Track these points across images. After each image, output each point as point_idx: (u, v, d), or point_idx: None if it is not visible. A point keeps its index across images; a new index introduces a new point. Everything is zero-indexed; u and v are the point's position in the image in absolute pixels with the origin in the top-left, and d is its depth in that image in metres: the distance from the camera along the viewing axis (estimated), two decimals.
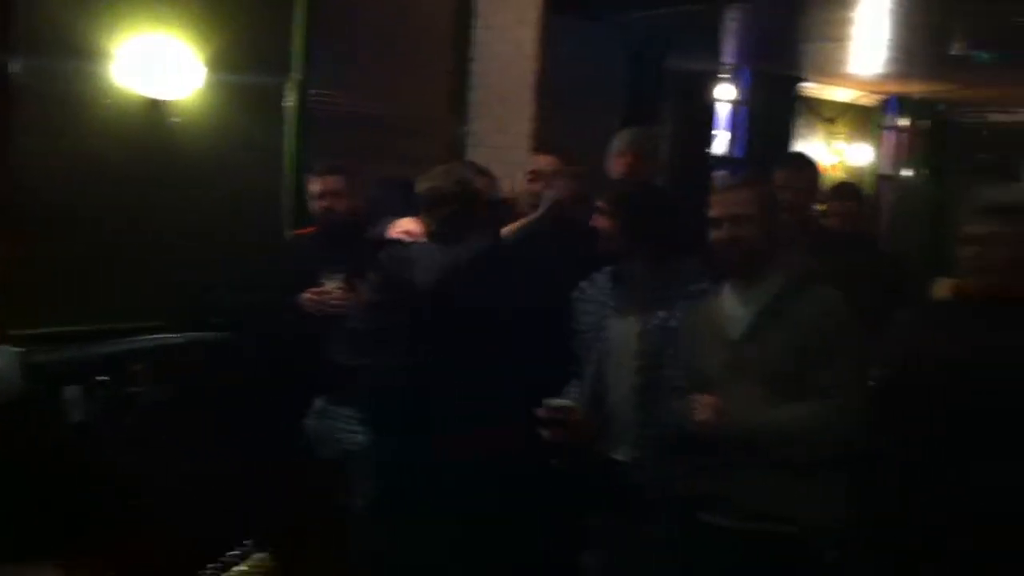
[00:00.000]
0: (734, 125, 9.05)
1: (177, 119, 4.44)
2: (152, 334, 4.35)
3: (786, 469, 2.89)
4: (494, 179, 3.64)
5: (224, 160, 4.58)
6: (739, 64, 8.85)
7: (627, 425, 3.30)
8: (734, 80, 8.92)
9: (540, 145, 5.03)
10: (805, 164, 4.47)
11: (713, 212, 3.05)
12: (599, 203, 3.37)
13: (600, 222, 3.34)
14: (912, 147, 11.08)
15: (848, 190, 5.16)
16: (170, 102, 4.40)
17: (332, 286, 4.01)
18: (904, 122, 11.01)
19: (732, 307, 3.06)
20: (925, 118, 11.08)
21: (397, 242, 3.59)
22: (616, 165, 4.30)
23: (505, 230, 3.38)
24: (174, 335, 4.38)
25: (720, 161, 8.85)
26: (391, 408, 3.56)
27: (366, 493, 3.60)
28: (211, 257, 4.49)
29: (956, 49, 6.41)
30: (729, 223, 2.99)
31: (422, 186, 3.56)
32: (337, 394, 3.68)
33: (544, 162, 3.72)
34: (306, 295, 4.03)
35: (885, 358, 3.14)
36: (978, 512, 2.79)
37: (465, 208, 3.49)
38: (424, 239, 3.57)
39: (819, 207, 4.84)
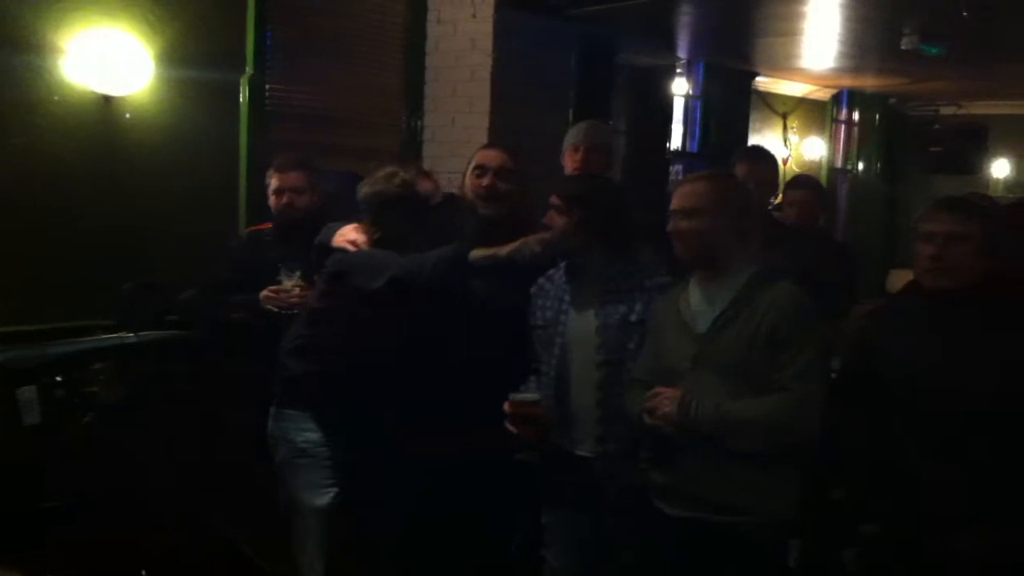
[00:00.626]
0: (688, 119, 9.08)
1: (128, 115, 4.40)
2: (105, 333, 4.31)
3: (748, 460, 2.91)
4: (436, 181, 3.65)
5: (177, 156, 4.55)
6: (693, 58, 8.87)
7: (589, 420, 3.31)
8: (688, 74, 8.94)
9: (489, 140, 5.05)
10: (764, 157, 4.50)
11: (674, 206, 3.07)
12: (552, 199, 3.38)
13: (554, 218, 3.35)
14: (864, 141, 11.17)
15: (805, 182, 5.22)
16: (121, 98, 4.35)
17: (290, 283, 3.99)
18: (856, 116, 11.10)
19: (697, 301, 3.08)
20: (877, 111, 11.18)
21: (341, 251, 3.58)
22: (569, 159, 4.31)
23: (473, 255, 3.36)
24: (128, 334, 4.34)
25: (675, 155, 8.88)
26: (340, 410, 3.57)
27: (320, 492, 3.60)
28: (165, 254, 4.46)
29: (906, 43, 6.46)
30: (688, 216, 3.01)
31: (364, 191, 3.55)
32: (286, 398, 3.67)
33: (490, 157, 3.70)
34: (264, 293, 4.01)
35: (845, 351, 3.19)
36: (932, 499, 2.84)
37: (410, 211, 3.50)
38: (368, 246, 3.58)
39: (775, 199, 4.89)
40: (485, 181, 3.62)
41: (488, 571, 3.72)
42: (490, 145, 4.15)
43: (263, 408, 4.04)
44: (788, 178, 5.57)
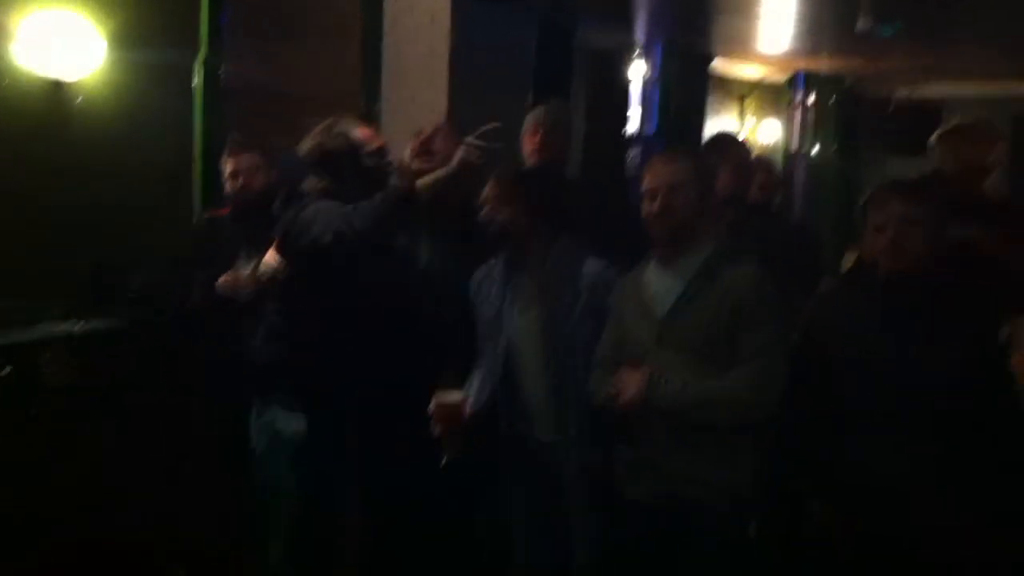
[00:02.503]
0: (646, 102, 9.08)
1: (80, 99, 4.32)
2: (57, 319, 4.25)
3: (710, 437, 2.95)
4: (374, 129, 3.64)
5: (130, 139, 4.47)
6: (651, 41, 8.88)
7: (544, 406, 3.33)
8: (646, 57, 8.95)
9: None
10: (739, 143, 4.52)
11: (648, 184, 3.07)
12: (492, 186, 3.37)
13: (496, 206, 3.33)
14: (821, 123, 11.24)
15: (763, 163, 5.25)
16: (73, 82, 4.28)
17: (247, 270, 3.94)
18: (812, 98, 11.17)
19: (658, 282, 3.10)
20: (833, 94, 11.25)
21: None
22: (528, 141, 4.29)
23: (420, 182, 3.36)
24: (80, 320, 4.28)
25: (633, 137, 8.89)
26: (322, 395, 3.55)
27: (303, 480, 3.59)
28: (119, 239, 4.39)
29: (861, 24, 6.49)
30: (664, 193, 3.02)
31: (305, 146, 3.55)
32: (267, 387, 3.64)
33: (432, 125, 3.73)
34: (222, 280, 3.96)
35: (802, 329, 3.21)
36: (883, 476, 2.86)
37: (350, 160, 3.48)
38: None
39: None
40: (422, 138, 3.64)
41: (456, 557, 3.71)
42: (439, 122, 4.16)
43: (221, 396, 4.03)
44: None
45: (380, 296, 3.54)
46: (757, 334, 2.92)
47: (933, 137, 3.92)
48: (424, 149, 3.59)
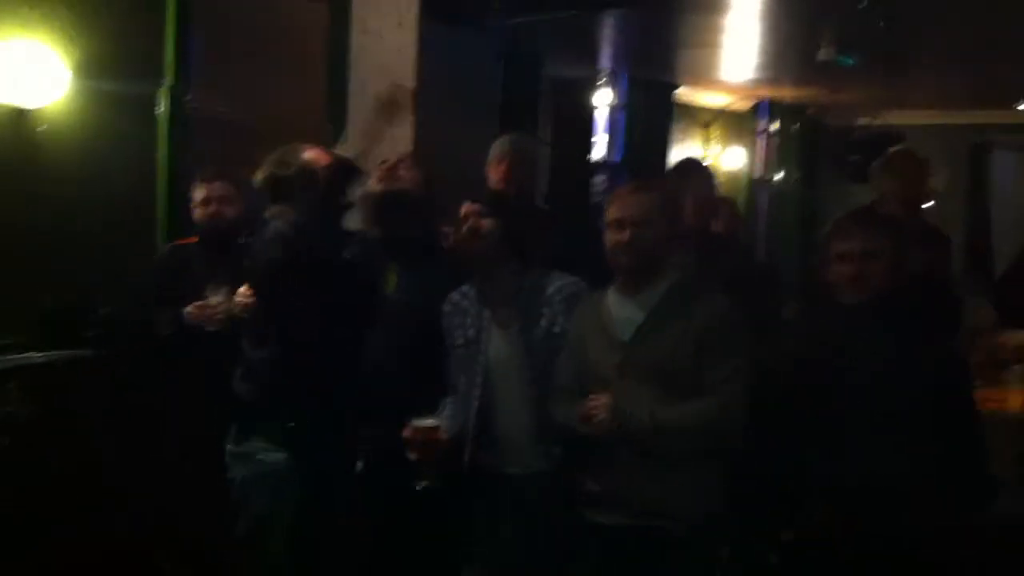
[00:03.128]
0: (612, 130, 9.14)
1: (44, 127, 4.30)
2: (18, 351, 4.21)
3: (677, 464, 2.96)
4: (322, 150, 3.65)
5: (94, 169, 4.45)
6: (616, 70, 8.95)
7: (522, 437, 3.32)
8: (611, 86, 9.01)
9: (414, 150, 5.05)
10: (705, 171, 4.54)
11: (614, 215, 3.08)
12: (469, 209, 3.38)
13: (472, 230, 3.35)
14: (784, 150, 11.34)
15: (726, 202, 5.37)
16: (37, 110, 4.25)
17: (216, 299, 3.92)
18: (776, 126, 11.27)
19: (620, 310, 3.10)
20: (796, 122, 11.36)
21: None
22: (494, 171, 4.31)
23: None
24: (42, 353, 4.24)
25: (599, 165, 8.94)
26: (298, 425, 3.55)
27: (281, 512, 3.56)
28: (82, 270, 4.37)
29: (823, 54, 6.58)
30: (631, 226, 3.03)
31: (259, 178, 3.57)
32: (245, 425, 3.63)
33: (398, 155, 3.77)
34: (189, 309, 3.94)
35: (771, 355, 3.25)
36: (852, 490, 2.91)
37: (305, 185, 3.51)
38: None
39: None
40: (387, 165, 3.66)
41: None
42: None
43: (188, 426, 4.00)
44: None
45: (347, 319, 3.55)
46: (721, 363, 2.94)
47: (872, 167, 4.07)
48: (388, 175, 3.60)
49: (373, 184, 3.65)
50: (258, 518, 3.55)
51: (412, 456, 3.25)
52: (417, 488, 3.29)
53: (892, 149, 4.19)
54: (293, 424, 3.53)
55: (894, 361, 2.91)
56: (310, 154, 3.63)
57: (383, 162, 3.69)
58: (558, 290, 3.33)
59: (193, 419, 3.98)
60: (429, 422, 3.26)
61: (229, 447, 3.61)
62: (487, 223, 3.32)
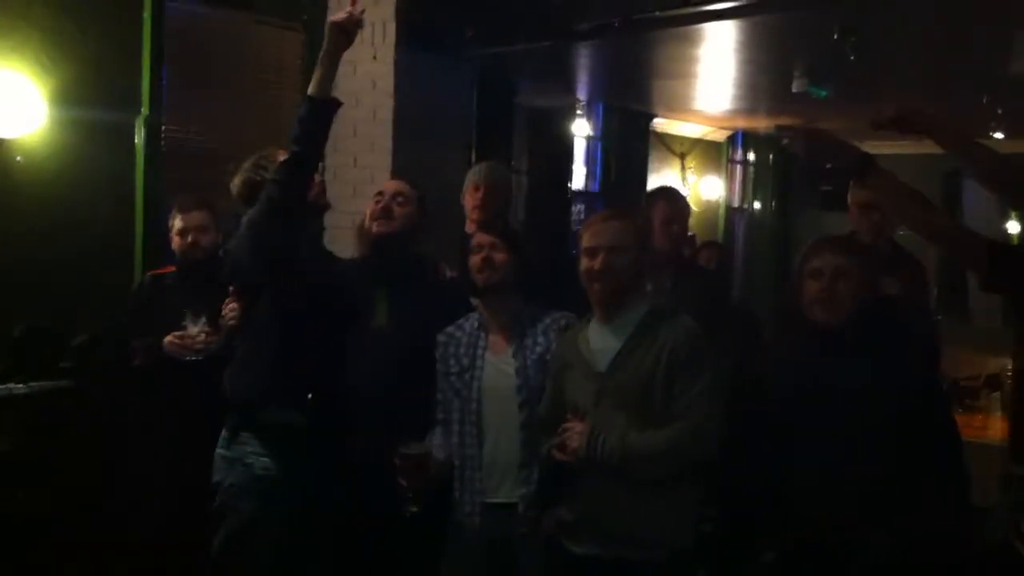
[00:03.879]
0: (589, 159, 9.20)
1: (20, 158, 4.30)
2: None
3: (650, 491, 2.96)
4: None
5: (71, 198, 4.45)
6: (592, 100, 9.01)
7: (511, 465, 3.33)
8: (588, 115, 9.07)
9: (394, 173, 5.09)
10: (680, 198, 4.56)
11: (588, 242, 3.11)
12: (483, 240, 3.41)
13: (494, 256, 3.37)
14: (759, 180, 11.44)
15: (711, 243, 5.48)
16: (13, 140, 4.25)
17: (195, 329, 3.91)
18: (751, 156, 11.37)
19: (597, 339, 3.12)
20: (771, 152, 11.46)
21: None
22: (469, 198, 4.33)
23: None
24: (18, 384, 4.23)
25: (576, 194, 8.98)
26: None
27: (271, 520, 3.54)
28: (58, 299, 4.35)
29: (796, 85, 6.66)
30: (604, 253, 3.05)
31: (235, 183, 3.58)
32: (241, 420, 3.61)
33: (388, 185, 3.77)
34: (168, 339, 3.93)
35: (745, 378, 3.27)
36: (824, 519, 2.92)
37: None
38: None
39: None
40: (381, 204, 3.66)
41: None
42: (393, 178, 4.18)
43: (163, 457, 3.97)
44: None
45: (325, 318, 3.55)
46: (693, 387, 2.95)
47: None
48: (384, 214, 3.62)
49: (368, 222, 3.67)
50: (244, 523, 3.51)
51: (402, 482, 3.24)
52: (406, 514, 3.29)
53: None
54: (310, 396, 3.50)
55: (867, 384, 2.93)
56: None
57: (378, 195, 3.69)
58: (554, 321, 3.40)
59: (170, 448, 3.96)
60: (417, 450, 3.27)
61: (218, 451, 3.58)
62: (500, 257, 3.36)
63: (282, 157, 3.44)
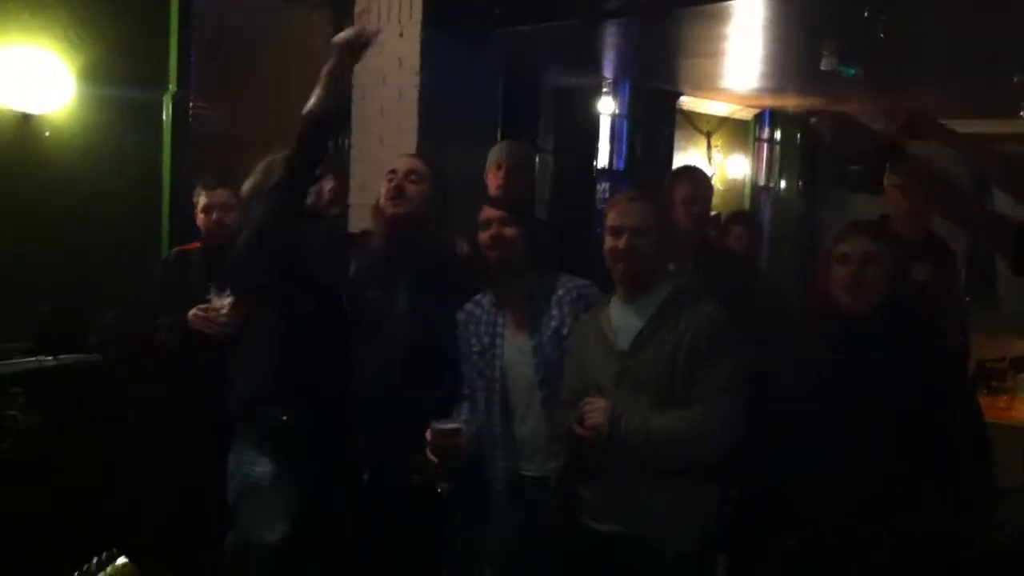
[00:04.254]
0: (614, 138, 9.16)
1: (48, 133, 4.32)
2: (23, 356, 4.23)
3: (670, 474, 2.97)
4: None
5: (98, 175, 4.48)
6: (618, 78, 8.96)
7: (537, 440, 3.36)
8: (614, 94, 9.03)
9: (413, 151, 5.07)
10: (703, 178, 4.53)
11: (612, 222, 3.11)
12: (491, 215, 3.39)
13: (497, 232, 3.36)
14: (786, 159, 11.35)
15: (747, 218, 5.43)
16: (41, 116, 4.28)
17: (220, 302, 3.92)
18: (778, 135, 11.29)
19: (619, 318, 3.13)
20: (798, 131, 11.37)
21: None
22: (492, 177, 4.33)
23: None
24: (47, 357, 4.26)
25: (601, 173, 8.95)
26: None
27: (271, 528, 3.55)
28: (86, 275, 4.38)
29: (825, 64, 6.60)
30: (629, 233, 3.06)
31: (246, 187, 3.57)
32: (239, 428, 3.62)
33: (401, 162, 3.68)
34: (193, 312, 3.94)
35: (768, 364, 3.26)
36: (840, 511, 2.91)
37: None
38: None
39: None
40: (394, 182, 3.57)
41: None
42: (405, 154, 4.11)
43: (188, 435, 3.99)
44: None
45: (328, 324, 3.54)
46: (715, 372, 2.96)
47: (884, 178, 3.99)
48: (397, 193, 3.54)
49: (383, 202, 3.58)
50: (244, 543, 3.51)
51: (433, 459, 3.24)
52: (438, 491, 3.30)
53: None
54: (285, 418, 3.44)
55: (892, 373, 2.92)
56: None
57: (391, 173, 3.61)
58: (567, 292, 3.39)
59: (195, 425, 3.98)
60: (450, 425, 3.27)
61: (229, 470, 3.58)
62: (510, 231, 3.35)
63: None
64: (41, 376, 4.20)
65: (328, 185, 3.63)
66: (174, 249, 4.48)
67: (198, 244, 4.28)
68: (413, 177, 3.57)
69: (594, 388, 3.06)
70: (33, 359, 4.21)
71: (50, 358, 4.25)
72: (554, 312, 3.35)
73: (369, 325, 3.56)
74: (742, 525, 3.33)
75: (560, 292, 3.39)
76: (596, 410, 2.98)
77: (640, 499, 2.99)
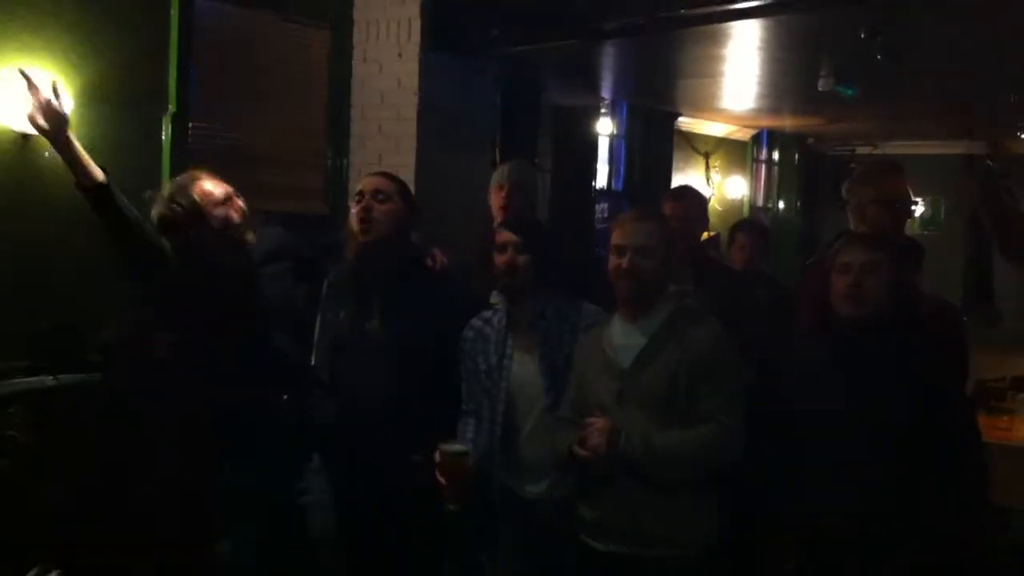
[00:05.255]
0: (613, 158, 9.19)
1: (48, 154, 4.32)
2: (22, 376, 4.22)
3: (671, 492, 2.97)
4: (217, 182, 3.69)
5: None
6: (616, 99, 8.99)
7: (541, 462, 3.34)
8: (612, 114, 9.06)
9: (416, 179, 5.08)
10: (696, 196, 4.55)
11: (616, 241, 3.12)
12: (506, 239, 3.40)
13: (516, 259, 3.36)
14: (784, 180, 11.39)
15: (749, 225, 5.44)
16: (40, 136, 4.28)
17: None
18: (776, 155, 11.32)
19: (621, 337, 3.13)
20: (796, 151, 11.42)
21: None
22: (495, 197, 4.34)
23: None
24: (47, 377, 4.25)
25: (600, 193, 8.97)
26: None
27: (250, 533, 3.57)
28: (85, 294, 4.38)
29: (823, 84, 6.63)
30: (632, 252, 3.07)
31: (153, 215, 3.63)
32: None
33: (365, 182, 3.63)
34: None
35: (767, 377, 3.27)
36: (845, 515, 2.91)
37: (196, 219, 3.60)
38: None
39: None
40: (361, 203, 3.54)
41: None
42: (371, 173, 4.06)
43: (189, 454, 3.98)
44: (711, 217, 5.72)
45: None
46: (718, 390, 2.96)
47: (844, 187, 3.92)
48: (365, 216, 3.52)
49: (353, 224, 3.56)
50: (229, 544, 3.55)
51: (441, 480, 3.24)
52: (447, 510, 3.30)
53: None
54: None
55: (892, 381, 2.93)
56: (203, 189, 3.65)
57: (358, 195, 3.58)
58: (580, 316, 3.39)
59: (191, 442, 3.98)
60: (457, 447, 3.27)
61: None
62: (523, 259, 3.36)
63: (196, 190, 3.50)
64: (43, 396, 4.19)
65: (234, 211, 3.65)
66: None
67: None
68: (380, 196, 3.54)
69: (595, 406, 3.06)
70: (35, 379, 4.21)
71: (50, 378, 4.23)
72: (567, 337, 3.35)
73: (343, 341, 3.58)
74: (742, 539, 3.32)
75: (575, 319, 3.38)
76: (596, 431, 2.97)
77: (640, 518, 2.98)
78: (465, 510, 3.33)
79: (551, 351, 3.34)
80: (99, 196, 3.31)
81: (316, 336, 3.67)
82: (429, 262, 3.76)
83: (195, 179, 3.65)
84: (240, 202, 3.66)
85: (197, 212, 3.62)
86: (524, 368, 3.38)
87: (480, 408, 3.45)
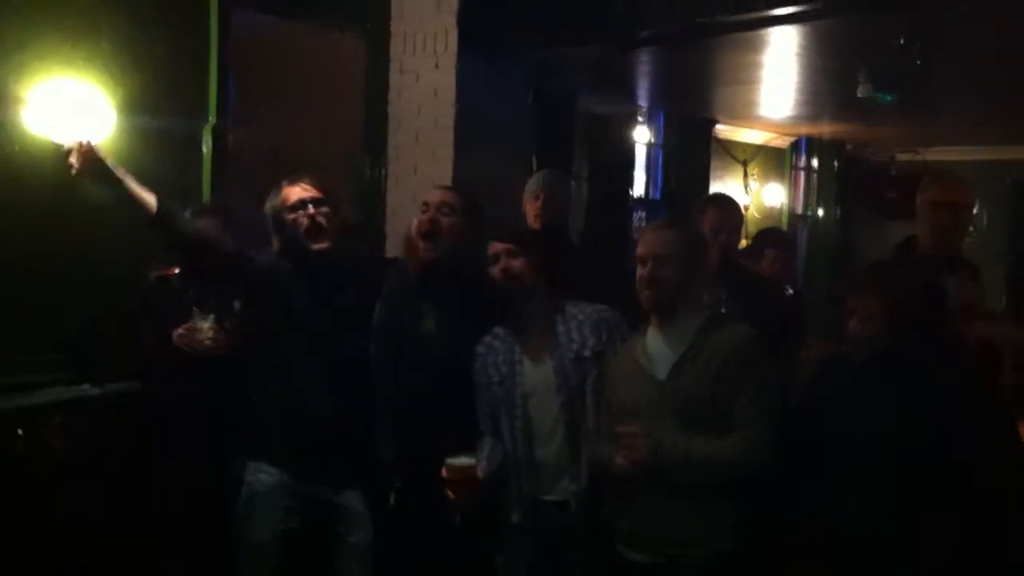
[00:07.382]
0: (650, 166, 9.18)
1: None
2: (66, 385, 4.27)
3: (703, 505, 2.97)
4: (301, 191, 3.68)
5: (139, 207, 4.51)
6: (653, 107, 8.98)
7: (558, 463, 3.34)
8: (649, 122, 9.05)
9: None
10: (731, 205, 4.52)
11: (639, 251, 3.13)
12: (498, 248, 3.41)
13: (507, 262, 3.38)
14: (823, 187, 11.33)
15: (782, 240, 5.42)
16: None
17: (204, 325, 3.97)
18: (815, 162, 11.26)
19: (655, 347, 3.13)
20: (834, 158, 11.35)
21: None
22: (530, 207, 4.36)
23: None
24: (89, 386, 4.30)
25: (637, 202, 8.96)
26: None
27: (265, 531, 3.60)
28: (128, 306, 4.42)
29: (861, 91, 6.59)
30: (652, 261, 3.07)
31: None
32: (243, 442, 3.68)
33: (433, 195, 3.65)
34: (178, 331, 3.99)
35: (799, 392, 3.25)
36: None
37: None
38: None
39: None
40: (427, 215, 3.54)
41: None
42: (439, 185, 4.11)
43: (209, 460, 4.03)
44: (749, 225, 5.70)
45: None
46: (751, 399, 2.96)
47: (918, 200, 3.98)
48: (430, 227, 3.51)
49: (416, 236, 3.55)
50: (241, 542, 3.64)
51: (448, 494, 3.26)
52: (456, 521, 3.31)
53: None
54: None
55: (922, 399, 2.90)
56: (285, 193, 3.70)
57: (424, 205, 3.59)
58: (587, 316, 3.39)
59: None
60: (464, 461, 3.27)
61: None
62: (516, 263, 3.37)
63: (282, 193, 3.69)
64: (86, 405, 4.24)
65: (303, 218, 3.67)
66: (155, 273, 4.47)
67: (174, 270, 4.30)
68: (446, 210, 3.54)
69: (628, 415, 3.06)
70: (76, 387, 4.25)
71: (90, 386, 4.28)
72: (574, 336, 3.35)
73: (400, 351, 3.58)
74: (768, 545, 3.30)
75: (580, 317, 3.38)
76: (637, 443, 2.97)
77: (673, 528, 2.99)
78: (478, 520, 3.35)
79: (560, 349, 3.34)
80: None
81: (372, 348, 3.66)
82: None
83: (291, 182, 3.68)
84: (314, 209, 3.64)
85: (278, 217, 3.67)
86: (535, 371, 3.38)
87: (497, 419, 3.45)
